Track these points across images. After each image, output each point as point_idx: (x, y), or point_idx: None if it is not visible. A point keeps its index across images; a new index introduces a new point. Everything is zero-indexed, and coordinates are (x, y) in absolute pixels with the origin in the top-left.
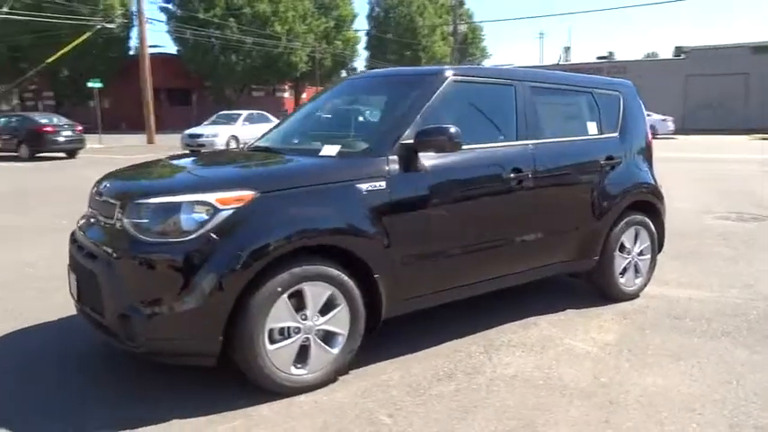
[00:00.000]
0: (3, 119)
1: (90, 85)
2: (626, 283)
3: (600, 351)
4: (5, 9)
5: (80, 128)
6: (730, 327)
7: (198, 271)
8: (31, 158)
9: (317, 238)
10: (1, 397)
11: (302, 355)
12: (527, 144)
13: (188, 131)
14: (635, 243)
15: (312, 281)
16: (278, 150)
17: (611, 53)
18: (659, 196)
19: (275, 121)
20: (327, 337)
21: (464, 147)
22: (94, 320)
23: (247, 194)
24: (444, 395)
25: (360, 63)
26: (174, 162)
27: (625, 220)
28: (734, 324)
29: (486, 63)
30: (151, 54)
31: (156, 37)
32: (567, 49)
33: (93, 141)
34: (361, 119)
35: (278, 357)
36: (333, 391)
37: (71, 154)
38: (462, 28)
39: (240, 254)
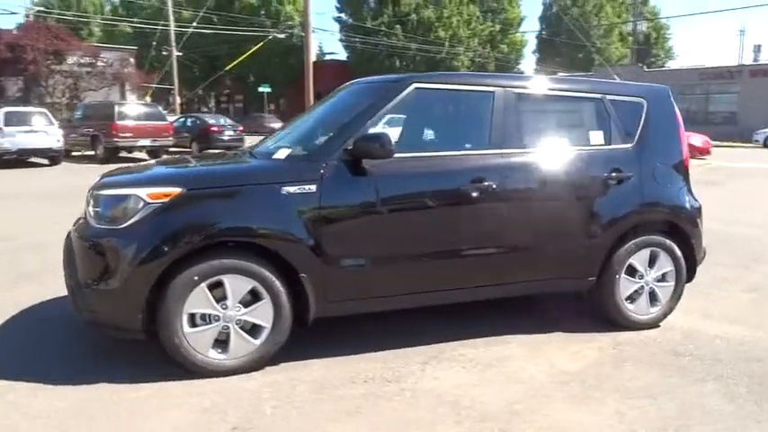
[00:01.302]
0: (181, 119)
1: (260, 89)
2: (636, 310)
3: (547, 379)
4: (194, 24)
5: (240, 128)
6: (735, 373)
7: (123, 256)
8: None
9: (233, 235)
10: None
11: (224, 342)
12: (498, 153)
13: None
14: (651, 267)
15: (231, 274)
16: (252, 153)
17: None
18: (689, 218)
19: None
20: (253, 329)
21: (419, 154)
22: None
23: (174, 191)
24: (345, 397)
25: (527, 67)
26: (153, 162)
27: (634, 240)
28: (744, 371)
29: (671, 65)
30: (325, 61)
31: (332, 45)
32: (758, 48)
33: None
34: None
35: (196, 340)
36: (247, 379)
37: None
38: (644, 27)
39: (158, 243)
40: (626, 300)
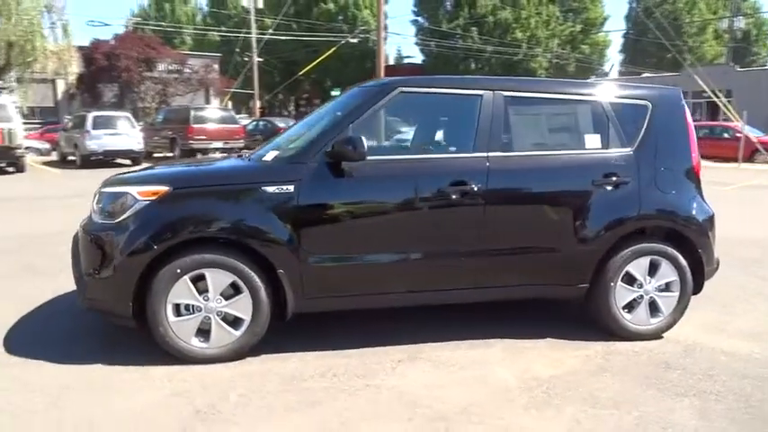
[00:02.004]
0: (253, 122)
1: (333, 93)
2: (634, 320)
3: (516, 384)
4: (270, 31)
5: None
6: (722, 390)
7: (115, 248)
8: None
9: (212, 231)
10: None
11: (207, 332)
12: (483, 156)
13: None
14: (651, 276)
15: (212, 268)
16: (249, 155)
17: None
18: (696, 226)
19: None
20: (235, 321)
21: (398, 157)
22: None
23: (162, 189)
24: (309, 390)
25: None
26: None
27: (632, 247)
28: (733, 388)
29: None
30: (401, 64)
31: (409, 49)
32: None
33: None
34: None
35: (180, 328)
36: (225, 368)
37: None
38: (742, 24)
39: (144, 237)
40: (623, 309)
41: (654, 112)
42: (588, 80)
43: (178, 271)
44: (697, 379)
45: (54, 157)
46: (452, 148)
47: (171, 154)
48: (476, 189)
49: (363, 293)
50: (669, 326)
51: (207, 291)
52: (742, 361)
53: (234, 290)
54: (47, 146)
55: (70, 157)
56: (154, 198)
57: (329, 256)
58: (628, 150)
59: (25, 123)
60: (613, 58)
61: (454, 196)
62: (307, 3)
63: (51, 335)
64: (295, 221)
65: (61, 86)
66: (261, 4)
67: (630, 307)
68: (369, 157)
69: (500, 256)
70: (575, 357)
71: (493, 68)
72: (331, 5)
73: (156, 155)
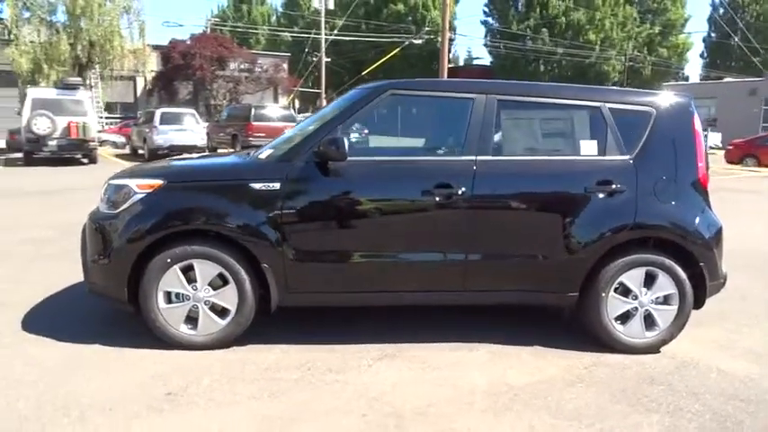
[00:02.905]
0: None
1: None
2: (628, 332)
3: (485, 388)
4: (335, 32)
5: (366, 131)
6: (701, 409)
7: (113, 237)
8: None
9: (200, 224)
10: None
11: (195, 320)
12: (471, 160)
13: None
14: (647, 288)
15: (200, 259)
16: (248, 153)
17: None
18: (698, 239)
19: None
20: (223, 310)
21: (384, 158)
22: None
23: (157, 183)
24: (279, 380)
25: (692, 71)
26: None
27: (625, 258)
28: (714, 408)
29: None
30: (469, 66)
31: (480, 50)
32: None
33: None
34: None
35: (170, 315)
36: (208, 355)
37: None
38: None
39: (137, 228)
40: (616, 320)
41: (657, 119)
42: (590, 86)
43: (168, 260)
44: (679, 396)
45: (127, 150)
46: (440, 151)
47: (233, 150)
48: (460, 192)
49: (346, 291)
50: (666, 340)
51: (196, 281)
52: (735, 381)
53: (222, 281)
54: (122, 139)
55: (140, 151)
56: (150, 191)
57: (312, 253)
58: (626, 158)
59: (107, 118)
60: (693, 61)
61: (438, 198)
62: (377, 4)
63: (66, 316)
64: (280, 218)
65: (140, 83)
66: (332, 5)
67: (625, 319)
68: (355, 158)
69: (485, 260)
70: (556, 366)
71: (563, 71)
72: (401, 6)
73: (219, 150)
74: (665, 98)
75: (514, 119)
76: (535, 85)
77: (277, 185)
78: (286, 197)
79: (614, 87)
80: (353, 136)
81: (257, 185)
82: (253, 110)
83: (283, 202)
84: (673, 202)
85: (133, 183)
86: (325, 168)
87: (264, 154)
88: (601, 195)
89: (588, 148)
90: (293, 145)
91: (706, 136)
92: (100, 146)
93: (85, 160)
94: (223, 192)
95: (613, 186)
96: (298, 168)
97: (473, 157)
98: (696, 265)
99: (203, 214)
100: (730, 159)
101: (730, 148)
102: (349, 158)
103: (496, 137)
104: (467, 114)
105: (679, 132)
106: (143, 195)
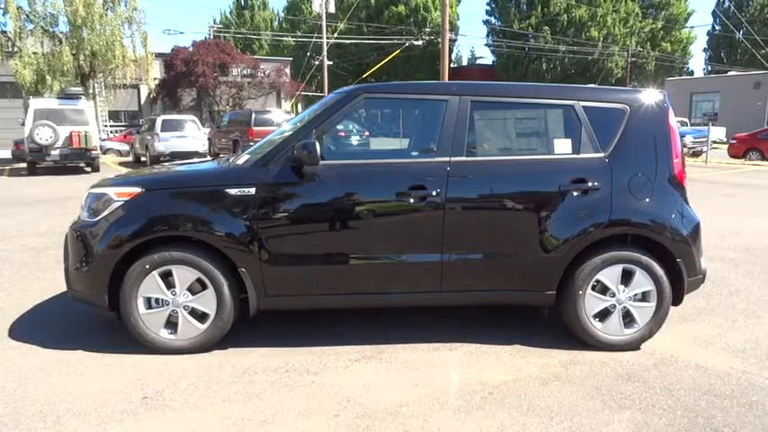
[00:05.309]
0: None
1: None
2: (606, 329)
3: (459, 388)
4: (335, 35)
5: (367, 133)
6: (673, 405)
7: (93, 244)
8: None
9: (178, 230)
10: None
11: (175, 324)
12: (444, 161)
13: None
14: (624, 285)
15: (178, 264)
16: (227, 159)
17: None
18: (675, 235)
19: None
20: (203, 315)
21: (357, 161)
22: None
23: (135, 191)
24: (255, 383)
25: (697, 66)
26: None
27: (602, 255)
28: (687, 405)
29: None
30: (471, 65)
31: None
32: None
33: None
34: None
35: (150, 320)
36: (188, 358)
37: None
38: None
39: (116, 235)
40: (594, 318)
41: (632, 116)
42: (563, 84)
43: (147, 267)
44: (653, 393)
45: (130, 158)
46: (415, 153)
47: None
48: (435, 193)
49: (324, 293)
50: (645, 337)
51: (175, 286)
52: (713, 377)
53: (201, 286)
54: (126, 147)
55: (143, 158)
56: (128, 199)
57: (289, 256)
58: (600, 155)
59: (112, 126)
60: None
61: (412, 200)
62: (378, 6)
63: (53, 323)
64: (256, 223)
65: (144, 91)
66: (332, 9)
67: (603, 316)
68: (329, 161)
69: (461, 260)
70: (534, 365)
71: (566, 68)
72: (402, 8)
73: (221, 156)
74: (639, 95)
75: (488, 119)
76: (508, 85)
77: (252, 191)
78: (262, 202)
79: (588, 85)
80: (354, 138)
81: (233, 191)
82: (254, 115)
83: (259, 207)
84: (648, 199)
85: (112, 191)
86: (300, 172)
87: (242, 159)
88: (575, 193)
89: (562, 146)
90: (269, 150)
91: (705, 130)
92: (104, 154)
93: (88, 169)
94: (200, 198)
95: (588, 184)
96: (273, 173)
97: (447, 159)
98: (674, 261)
99: (181, 221)
100: (734, 153)
101: (734, 142)
102: (323, 162)
103: (470, 138)
104: (440, 116)
105: (654, 129)
106: (122, 203)
